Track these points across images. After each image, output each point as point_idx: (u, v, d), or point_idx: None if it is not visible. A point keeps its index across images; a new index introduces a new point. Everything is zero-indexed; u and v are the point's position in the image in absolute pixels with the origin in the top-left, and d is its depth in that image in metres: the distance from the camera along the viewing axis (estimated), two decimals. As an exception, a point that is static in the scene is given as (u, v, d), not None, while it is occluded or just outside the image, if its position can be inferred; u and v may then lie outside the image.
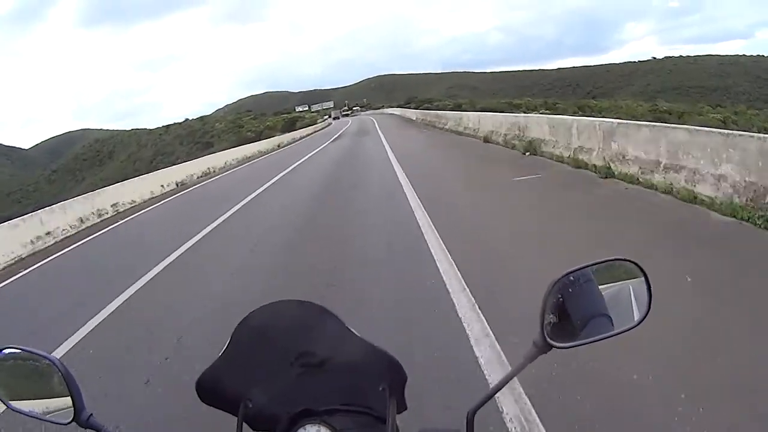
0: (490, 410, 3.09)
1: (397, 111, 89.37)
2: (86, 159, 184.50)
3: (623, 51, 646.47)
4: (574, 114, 31.85)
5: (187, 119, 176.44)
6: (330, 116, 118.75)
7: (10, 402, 1.07)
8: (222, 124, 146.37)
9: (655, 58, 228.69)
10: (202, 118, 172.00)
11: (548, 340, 0.97)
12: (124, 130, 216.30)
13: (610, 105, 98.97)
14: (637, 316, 1.05)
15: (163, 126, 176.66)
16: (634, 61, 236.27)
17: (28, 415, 1.05)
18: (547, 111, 58.61)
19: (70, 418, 1.01)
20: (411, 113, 63.71)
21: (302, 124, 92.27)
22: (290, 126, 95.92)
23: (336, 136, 46.57)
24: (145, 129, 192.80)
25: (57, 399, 1.03)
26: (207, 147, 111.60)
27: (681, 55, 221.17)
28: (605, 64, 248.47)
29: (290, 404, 1.11)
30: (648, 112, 75.23)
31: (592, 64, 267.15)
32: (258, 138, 63.88)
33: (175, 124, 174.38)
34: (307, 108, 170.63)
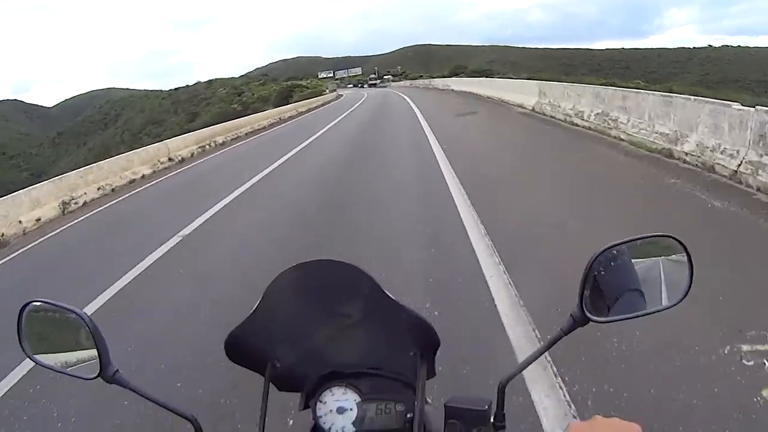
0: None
1: (454, 85, 39.78)
2: (93, 122, 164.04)
3: (664, 37, 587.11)
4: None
5: (199, 82, 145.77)
6: (333, 89, 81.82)
7: (35, 355, 0.99)
8: (225, 90, 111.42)
9: (711, 46, 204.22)
10: (210, 81, 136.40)
11: (587, 313, 0.90)
12: (141, 90, 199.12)
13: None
14: (665, 293, 0.95)
15: (171, 88, 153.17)
16: (689, 48, 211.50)
17: (52, 369, 0.99)
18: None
19: (96, 373, 0.93)
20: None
21: (301, 96, 55.05)
22: (285, 98, 59.05)
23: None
24: (160, 91, 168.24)
25: (83, 353, 0.95)
26: (193, 118, 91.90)
27: (740, 45, 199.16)
28: (657, 48, 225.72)
29: (318, 366, 1.03)
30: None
31: (642, 47, 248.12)
32: (243, 112, 45.54)
33: (183, 87, 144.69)
34: (332, 74, 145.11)
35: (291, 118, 29.48)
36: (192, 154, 16.53)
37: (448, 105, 22.69)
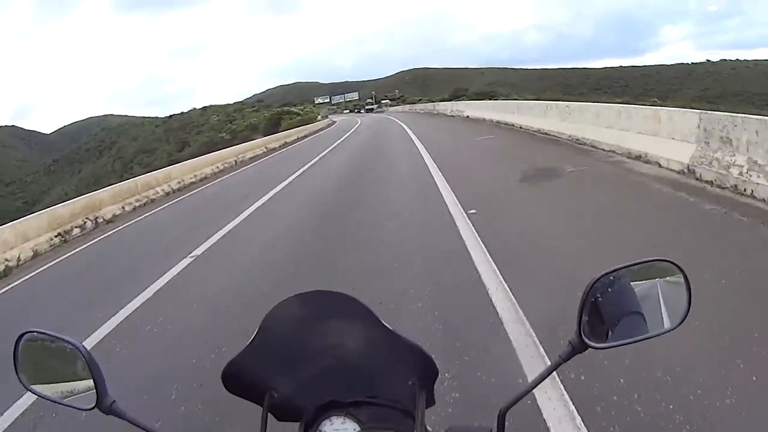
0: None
1: (468, 110, 29.52)
2: (88, 150, 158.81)
3: (659, 54, 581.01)
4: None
5: (194, 108, 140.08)
6: (324, 115, 77.38)
7: (33, 386, 0.99)
8: (218, 117, 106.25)
9: (709, 60, 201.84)
10: (204, 108, 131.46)
11: (585, 339, 0.89)
12: (138, 117, 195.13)
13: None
14: (666, 316, 0.94)
15: (166, 116, 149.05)
16: (687, 63, 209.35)
17: (49, 400, 0.98)
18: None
19: (93, 404, 0.92)
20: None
21: (290, 124, 49.55)
22: (274, 126, 53.63)
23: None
24: (156, 118, 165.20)
25: (80, 384, 0.95)
26: (182, 147, 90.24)
27: (738, 59, 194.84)
28: (655, 65, 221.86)
29: (317, 395, 1.02)
30: None
31: (639, 65, 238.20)
32: (231, 141, 42.55)
33: (178, 114, 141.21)
34: (328, 100, 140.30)
35: (271, 151, 23.83)
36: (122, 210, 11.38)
37: (480, 148, 13.32)
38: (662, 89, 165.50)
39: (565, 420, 2.49)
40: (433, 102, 60.84)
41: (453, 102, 38.47)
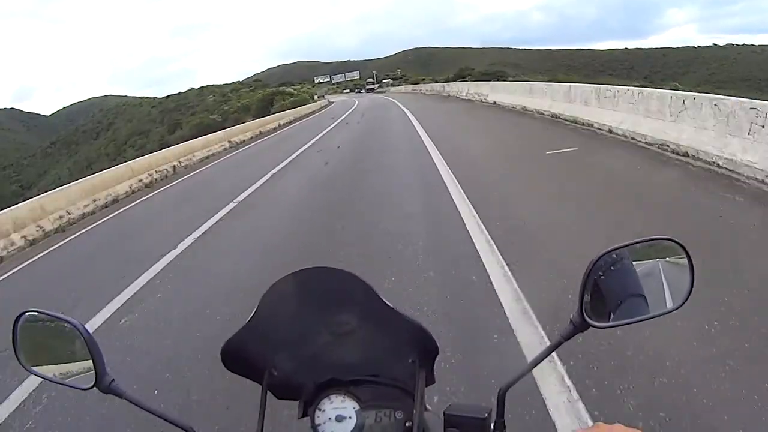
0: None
1: (495, 95, 20.38)
2: (85, 131, 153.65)
3: (663, 37, 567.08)
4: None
5: (192, 89, 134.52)
6: (321, 95, 72.17)
7: (32, 367, 0.96)
8: (213, 98, 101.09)
9: (716, 45, 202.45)
10: (202, 88, 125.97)
11: (586, 318, 0.87)
12: (138, 98, 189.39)
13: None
14: (668, 295, 0.92)
15: (163, 96, 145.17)
16: (694, 47, 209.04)
17: (48, 380, 0.96)
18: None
19: (92, 383, 0.90)
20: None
21: (282, 106, 44.58)
22: (266, 107, 48.69)
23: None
24: (153, 98, 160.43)
25: (78, 364, 0.93)
26: (174, 129, 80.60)
27: (745, 44, 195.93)
28: (661, 48, 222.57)
29: (316, 373, 1.00)
30: None
31: (645, 47, 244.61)
32: (222, 124, 39.34)
33: (174, 94, 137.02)
34: (328, 79, 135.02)
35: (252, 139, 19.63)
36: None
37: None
38: (668, 72, 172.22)
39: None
40: (438, 82, 54.58)
41: (466, 83, 30.62)
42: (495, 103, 18.60)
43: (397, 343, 0.94)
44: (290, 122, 26.88)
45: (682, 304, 0.88)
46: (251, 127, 21.38)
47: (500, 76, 71.04)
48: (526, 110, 14.56)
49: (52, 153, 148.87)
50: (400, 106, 27.62)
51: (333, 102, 53.17)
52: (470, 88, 25.46)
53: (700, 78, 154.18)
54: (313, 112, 35.02)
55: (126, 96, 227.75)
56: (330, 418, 0.95)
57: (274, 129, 23.63)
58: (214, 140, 16.88)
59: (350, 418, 0.94)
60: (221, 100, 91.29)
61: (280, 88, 70.98)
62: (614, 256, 0.86)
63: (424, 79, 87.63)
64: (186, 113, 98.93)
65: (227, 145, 17.39)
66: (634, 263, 0.88)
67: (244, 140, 18.95)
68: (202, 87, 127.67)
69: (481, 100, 21.34)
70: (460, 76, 76.27)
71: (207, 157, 15.27)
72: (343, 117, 25.74)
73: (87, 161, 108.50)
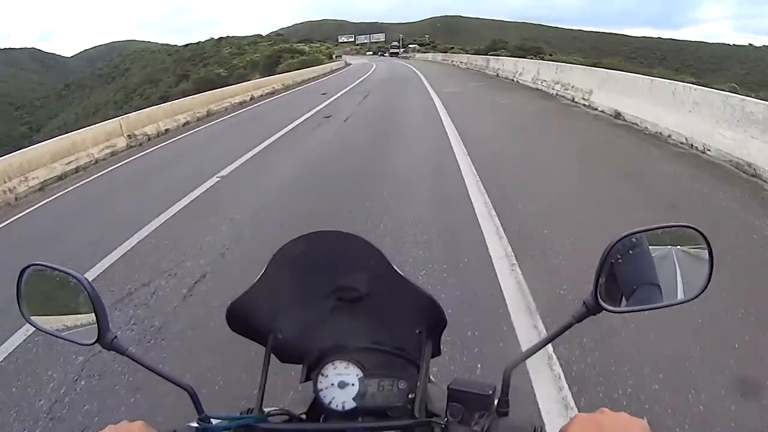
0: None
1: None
2: (101, 75, 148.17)
3: (696, 30, 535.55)
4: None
5: (211, 38, 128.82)
6: (339, 55, 66.17)
7: (32, 318, 0.94)
8: (229, 50, 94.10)
9: (752, 45, 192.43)
10: (220, 39, 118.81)
11: (600, 302, 0.83)
12: (159, 44, 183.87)
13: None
14: (681, 285, 0.88)
15: (175, 44, 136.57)
16: (728, 44, 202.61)
17: (49, 333, 0.93)
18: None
19: (94, 339, 0.88)
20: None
21: (289, 65, 37.91)
22: (273, 65, 42.04)
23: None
24: (172, 46, 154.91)
25: (81, 318, 0.90)
26: (180, 81, 77.58)
27: None
28: (695, 41, 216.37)
29: (321, 339, 0.97)
30: None
31: (679, 38, 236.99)
32: (227, 80, 34.09)
33: (194, 43, 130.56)
34: (353, 39, 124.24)
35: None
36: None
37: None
38: (701, 67, 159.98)
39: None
40: (468, 52, 45.02)
41: (533, 62, 18.61)
42: (619, 116, 8.78)
43: (405, 312, 0.91)
44: (272, 93, 19.81)
45: (698, 295, 0.84)
46: (195, 104, 13.86)
47: (538, 52, 63.14)
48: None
49: (65, 95, 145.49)
50: (427, 86, 18.32)
51: (350, 64, 45.60)
52: (541, 72, 14.65)
53: (733, 77, 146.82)
54: (313, 78, 27.71)
55: (149, 42, 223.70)
56: (333, 384, 0.91)
57: (240, 104, 16.52)
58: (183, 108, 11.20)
59: (353, 385, 0.90)
60: (236, 52, 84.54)
61: (293, 45, 63.44)
62: (633, 240, 0.83)
63: (452, 48, 78.90)
64: (198, 64, 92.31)
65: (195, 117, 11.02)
66: (652, 248, 0.85)
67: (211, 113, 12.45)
68: (220, 38, 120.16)
69: (574, 100, 11.04)
70: (493, 49, 67.69)
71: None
72: (336, 96, 16.66)
73: (95, 107, 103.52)
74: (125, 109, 53.75)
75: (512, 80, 17.44)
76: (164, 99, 24.76)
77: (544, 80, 13.84)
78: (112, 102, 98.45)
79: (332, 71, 34.13)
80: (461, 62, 33.36)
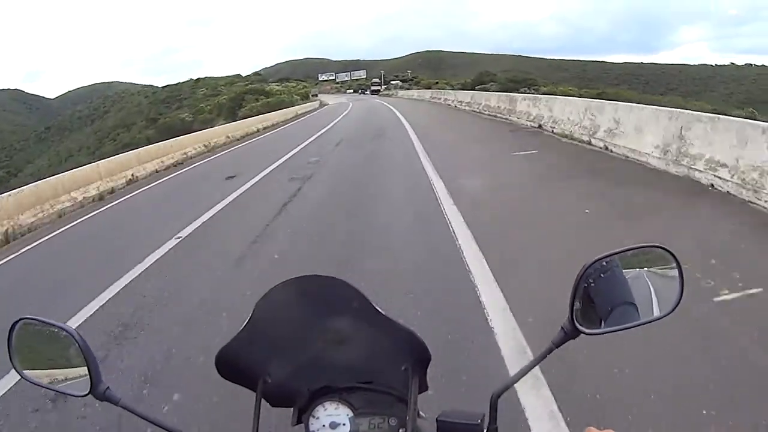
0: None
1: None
2: (80, 118, 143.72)
3: (674, 53, 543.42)
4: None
5: (190, 79, 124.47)
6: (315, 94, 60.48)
7: (25, 372, 0.94)
8: (204, 91, 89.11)
9: (733, 64, 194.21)
10: (198, 80, 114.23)
11: (577, 326, 0.85)
12: (141, 86, 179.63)
13: None
14: (656, 304, 0.91)
15: (157, 86, 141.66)
16: (711, 65, 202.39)
17: (42, 386, 0.94)
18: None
19: (87, 390, 0.89)
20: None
21: (252, 109, 32.05)
22: (236, 108, 36.19)
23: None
24: (151, 87, 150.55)
25: (73, 371, 0.91)
26: (151, 125, 73.70)
27: (764, 64, 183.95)
28: (677, 64, 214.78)
29: (310, 381, 0.98)
30: None
31: (660, 62, 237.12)
32: (191, 125, 31.48)
33: (172, 84, 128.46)
34: (333, 77, 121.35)
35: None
36: None
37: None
38: (685, 89, 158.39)
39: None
40: (460, 88, 37.46)
41: (545, 97, 13.66)
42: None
43: (390, 350, 0.92)
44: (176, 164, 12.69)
45: (672, 311, 0.87)
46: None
47: (531, 84, 58.19)
48: None
49: (45, 138, 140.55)
50: (426, 165, 8.81)
51: (325, 105, 39.72)
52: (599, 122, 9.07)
53: (718, 98, 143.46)
54: (261, 131, 20.78)
55: (131, 83, 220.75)
56: (324, 425, 0.93)
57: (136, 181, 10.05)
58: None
59: (344, 425, 0.93)
60: (211, 94, 79.43)
61: (261, 86, 57.81)
62: (604, 263, 0.85)
63: (437, 83, 74.12)
64: (172, 106, 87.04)
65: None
66: (624, 270, 0.87)
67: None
68: (198, 79, 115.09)
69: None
70: (480, 82, 62.75)
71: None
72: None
73: (68, 152, 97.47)
74: (97, 155, 49.11)
75: (606, 151, 8.61)
76: (129, 147, 22.43)
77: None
78: (85, 147, 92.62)
79: (295, 116, 27.85)
80: (459, 101, 24.51)
